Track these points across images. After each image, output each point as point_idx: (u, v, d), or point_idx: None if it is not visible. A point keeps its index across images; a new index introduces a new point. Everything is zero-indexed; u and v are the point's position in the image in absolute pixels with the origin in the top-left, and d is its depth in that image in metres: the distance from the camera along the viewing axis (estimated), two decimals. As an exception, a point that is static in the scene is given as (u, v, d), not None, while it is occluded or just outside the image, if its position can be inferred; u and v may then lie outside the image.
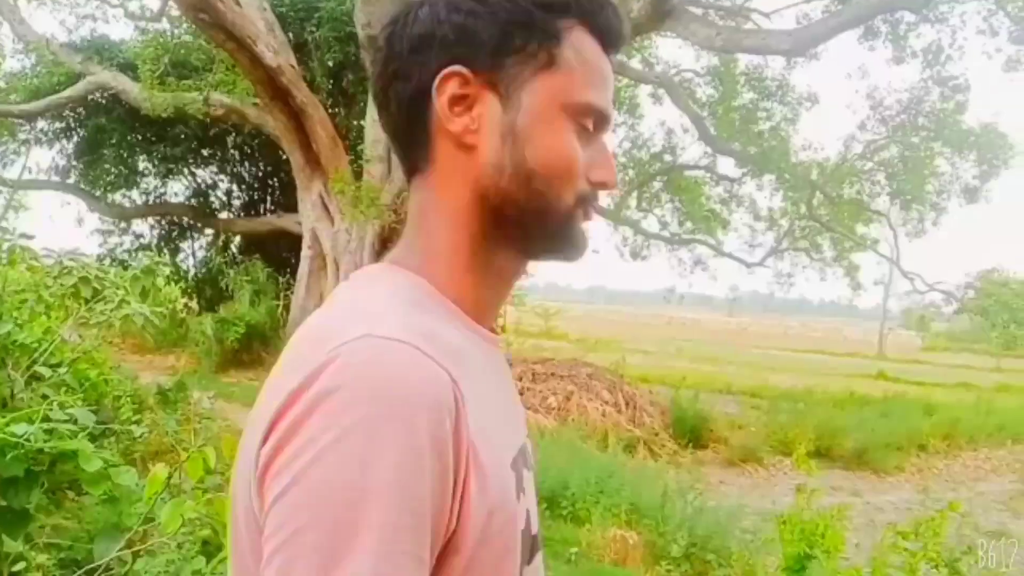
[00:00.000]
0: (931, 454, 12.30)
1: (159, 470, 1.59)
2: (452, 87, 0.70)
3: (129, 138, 14.57)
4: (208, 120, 13.27)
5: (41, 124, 14.64)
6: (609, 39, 0.75)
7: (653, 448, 9.94)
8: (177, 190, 16.44)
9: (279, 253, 14.60)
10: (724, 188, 17.66)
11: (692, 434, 10.66)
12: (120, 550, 1.62)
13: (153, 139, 14.57)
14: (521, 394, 10.75)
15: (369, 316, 0.62)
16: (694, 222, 17.93)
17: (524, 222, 0.71)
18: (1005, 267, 15.07)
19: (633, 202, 18.23)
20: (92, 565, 1.56)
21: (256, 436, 0.60)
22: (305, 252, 12.08)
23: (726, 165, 17.03)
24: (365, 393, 0.57)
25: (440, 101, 0.70)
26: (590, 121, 0.72)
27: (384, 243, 11.09)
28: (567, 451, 6.69)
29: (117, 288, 3.88)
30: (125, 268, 15.70)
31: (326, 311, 0.69)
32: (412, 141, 0.73)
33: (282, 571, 0.55)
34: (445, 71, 0.69)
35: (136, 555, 1.71)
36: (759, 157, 14.97)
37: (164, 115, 11.59)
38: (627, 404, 10.69)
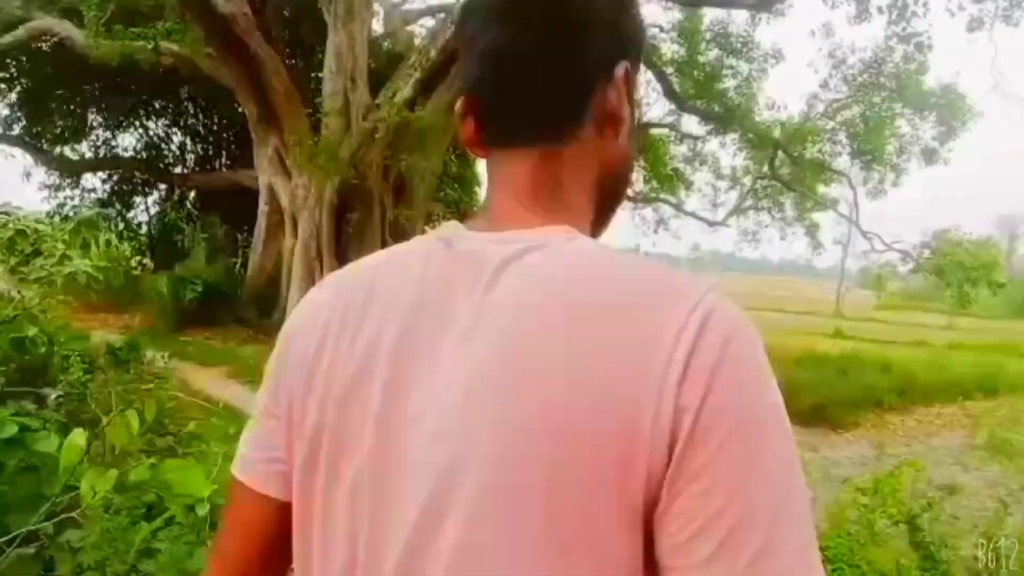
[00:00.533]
0: (887, 410, 12.56)
1: (76, 436, 1.46)
2: (626, 80, 0.74)
3: (77, 89, 13.96)
4: (159, 71, 12.76)
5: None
6: None
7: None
8: (128, 144, 15.90)
9: (237, 209, 14.21)
10: (688, 147, 17.61)
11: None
12: (44, 520, 1.51)
13: (102, 90, 13.98)
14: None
15: (659, 267, 0.67)
16: (658, 181, 17.88)
17: (620, 189, 0.81)
18: (962, 227, 15.25)
19: (597, 160, 18.09)
20: (9, 536, 1.44)
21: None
22: (262, 208, 11.78)
23: (690, 123, 16.96)
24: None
25: (613, 90, 0.74)
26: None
27: (343, 199, 10.84)
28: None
29: (57, 242, 3.67)
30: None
31: (595, 267, 0.68)
32: (573, 110, 0.74)
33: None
34: (626, 64, 0.74)
35: (61, 525, 1.59)
36: (723, 115, 14.91)
37: (112, 64, 11.07)
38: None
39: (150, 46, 11.29)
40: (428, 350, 0.67)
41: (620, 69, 0.74)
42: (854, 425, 11.61)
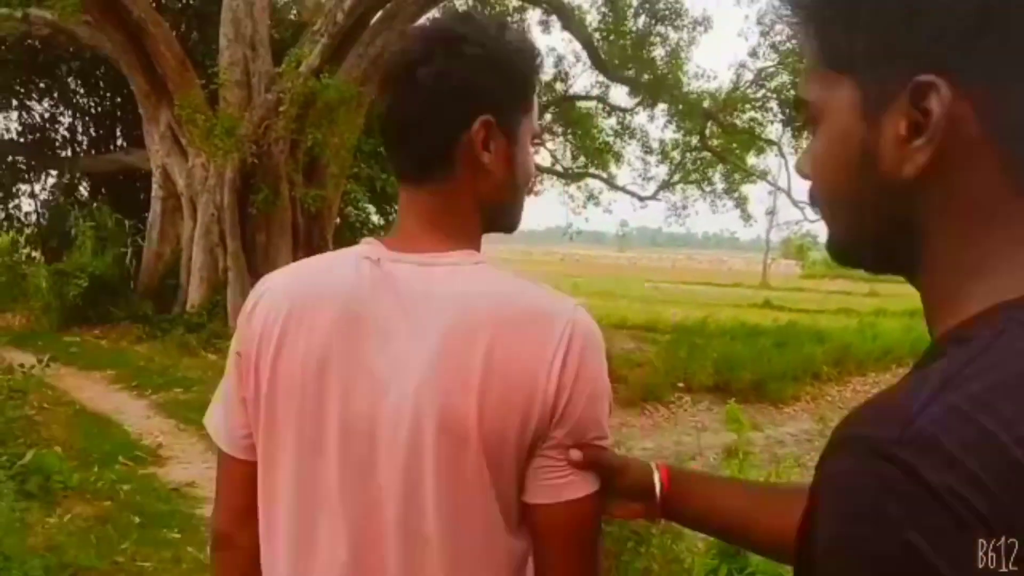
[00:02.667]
0: (824, 381, 12.37)
1: None
2: (484, 132, 0.93)
3: (-59, 65, 12.47)
4: (36, 44, 11.46)
5: None
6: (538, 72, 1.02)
7: (551, 392, 9.38)
8: (7, 126, 14.38)
9: (134, 194, 13.02)
10: (617, 119, 17.11)
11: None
12: None
13: (-29, 67, 12.53)
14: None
15: (542, 289, 0.96)
16: (587, 155, 17.35)
17: (499, 220, 1.02)
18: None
19: (524, 135, 17.46)
20: None
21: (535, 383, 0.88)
22: (156, 192, 10.68)
23: (619, 96, 16.46)
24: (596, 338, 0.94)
25: (475, 140, 0.93)
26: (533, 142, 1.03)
27: (247, 180, 9.86)
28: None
29: None
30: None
31: (498, 286, 0.94)
32: (437, 160, 0.95)
33: None
34: (481, 118, 0.93)
35: None
36: (652, 85, 14.41)
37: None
38: (522, 347, 10.07)
39: (18, 14, 10.03)
40: (371, 356, 0.89)
41: (476, 124, 0.92)
42: (794, 399, 11.35)
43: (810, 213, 15.42)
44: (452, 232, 0.96)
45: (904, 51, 0.57)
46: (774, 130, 15.95)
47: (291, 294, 0.94)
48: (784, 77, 14.97)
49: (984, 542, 0.47)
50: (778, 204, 23.24)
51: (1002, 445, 0.46)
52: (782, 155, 15.80)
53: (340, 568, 0.90)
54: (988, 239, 0.59)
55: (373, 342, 0.89)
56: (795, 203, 15.68)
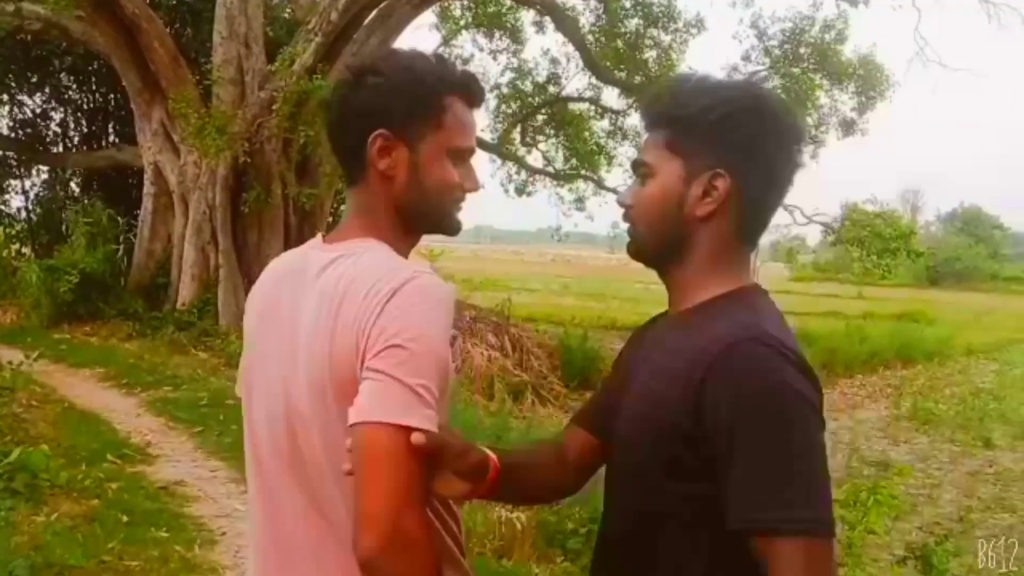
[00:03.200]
0: (812, 384, 12.46)
1: None
2: (379, 142, 1.17)
3: (-68, 59, 12.39)
4: (28, 38, 11.39)
5: None
6: (475, 102, 1.25)
7: (541, 393, 9.43)
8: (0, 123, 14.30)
9: (126, 191, 12.97)
10: (609, 121, 17.12)
11: (581, 376, 10.26)
12: None
13: (-37, 62, 12.45)
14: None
15: (403, 263, 1.15)
16: (579, 157, 17.36)
17: (419, 219, 1.23)
18: (879, 198, 15.35)
19: (517, 136, 17.44)
20: None
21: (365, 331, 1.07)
22: (147, 189, 10.66)
23: (611, 98, 16.48)
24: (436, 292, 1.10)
25: (371, 151, 1.18)
26: (463, 155, 1.23)
27: (239, 177, 9.85)
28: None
29: None
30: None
31: (361, 263, 1.14)
32: (354, 166, 1.21)
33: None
34: (375, 133, 1.17)
35: None
36: (644, 87, 14.44)
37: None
38: (513, 347, 10.11)
39: (10, 8, 9.98)
40: (287, 323, 1.16)
41: (371, 138, 1.17)
42: (782, 401, 11.43)
43: (799, 216, 15.48)
44: (366, 225, 1.20)
45: (710, 155, 1.11)
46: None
47: (259, 281, 1.28)
48: (776, 81, 15.03)
49: (811, 385, 1.02)
50: (769, 207, 23.21)
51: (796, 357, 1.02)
52: (772, 159, 15.86)
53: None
54: (723, 258, 1.15)
55: (279, 315, 1.18)
56: (785, 206, 15.66)
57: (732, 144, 1.09)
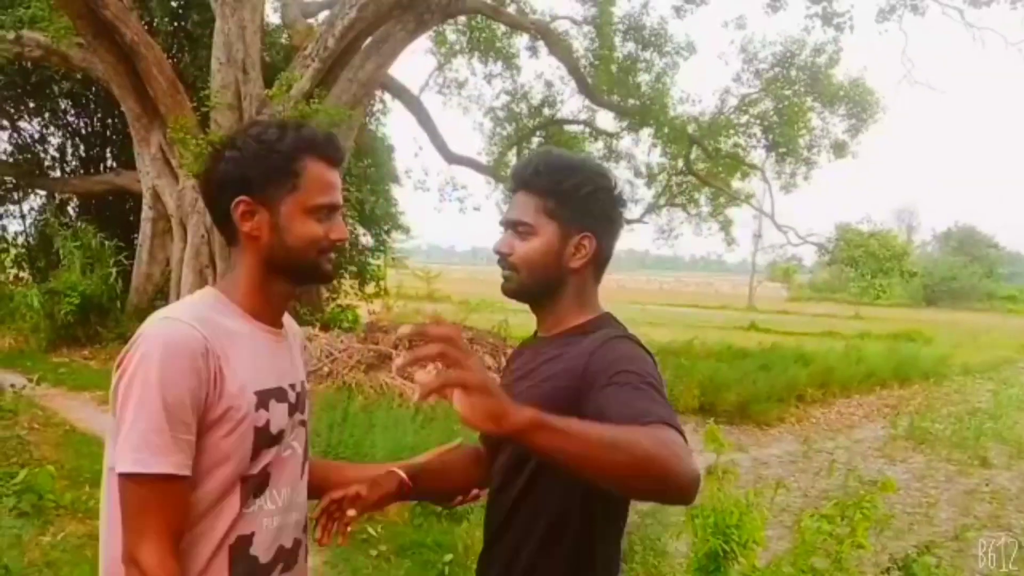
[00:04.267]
0: (808, 403, 12.47)
1: None
2: (240, 208, 1.33)
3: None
4: (28, 64, 11.53)
5: None
6: (333, 158, 1.39)
7: (538, 413, 9.42)
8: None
9: (123, 215, 13.06)
10: (603, 143, 17.31)
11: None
12: None
13: (-38, 88, 12.57)
14: (397, 362, 9.92)
15: (173, 310, 1.33)
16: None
17: (286, 271, 1.39)
18: (872, 219, 15.52)
19: (513, 158, 17.61)
20: None
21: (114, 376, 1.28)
22: (146, 213, 10.73)
23: (605, 120, 16.67)
24: (152, 348, 1.23)
25: (235, 216, 1.34)
26: (323, 211, 1.36)
27: (238, 201, 9.94)
28: (444, 430, 6.00)
29: None
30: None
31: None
32: (227, 230, 1.38)
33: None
34: (236, 200, 1.33)
35: None
36: (637, 110, 14.63)
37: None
38: (510, 368, 10.11)
39: (11, 35, 10.11)
40: None
41: (234, 205, 1.33)
42: (778, 421, 11.43)
43: (794, 237, 15.64)
44: (224, 280, 1.42)
45: (580, 221, 1.46)
46: (758, 155, 16.19)
47: None
48: (767, 103, 15.25)
49: (651, 357, 1.39)
50: (763, 228, 23.45)
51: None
52: (765, 180, 16.02)
53: None
54: (584, 294, 1.50)
55: None
56: (779, 227, 15.85)
57: (594, 214, 1.48)
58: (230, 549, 1.30)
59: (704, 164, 16.49)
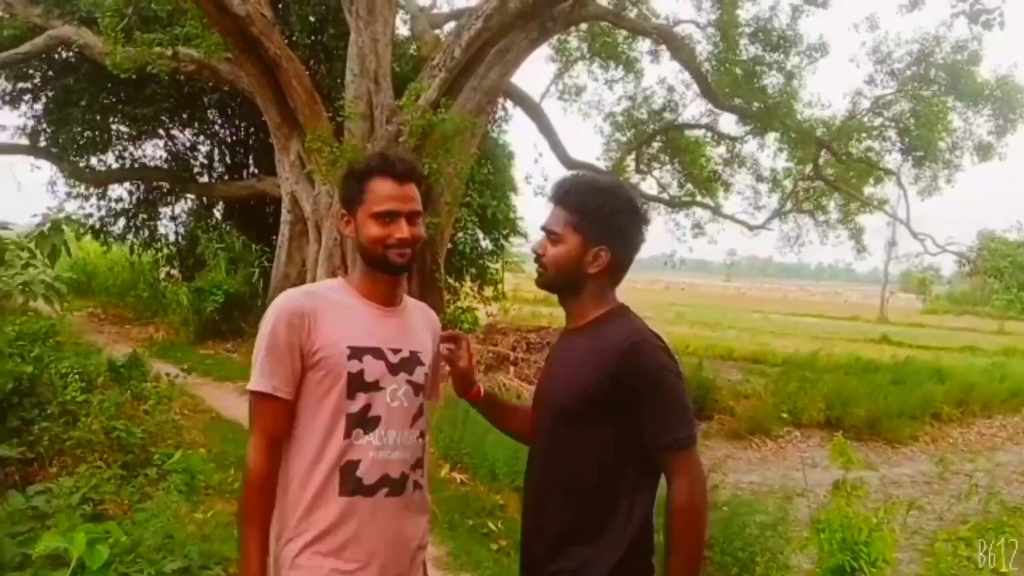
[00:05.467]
0: (945, 422, 11.79)
1: None
2: (343, 218, 1.87)
3: (100, 99, 13.74)
4: (181, 78, 12.47)
5: (1, 84, 13.79)
6: (392, 174, 1.82)
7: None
8: (154, 153, 15.67)
9: (262, 218, 13.91)
10: (726, 148, 16.90)
11: (696, 405, 10.08)
12: None
13: (125, 99, 13.74)
14: (515, 364, 10.01)
15: (306, 286, 1.99)
16: (695, 184, 17.20)
17: (368, 261, 1.84)
18: (1022, 226, 14.34)
19: (632, 164, 17.49)
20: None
21: None
22: (285, 217, 11.38)
23: (728, 124, 16.29)
24: (270, 309, 1.79)
25: (339, 224, 1.94)
26: (385, 217, 1.79)
27: (367, 206, 10.39)
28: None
29: (21, 250, 3.25)
30: (99, 236, 15.06)
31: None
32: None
33: None
34: (341, 212, 1.91)
35: None
36: (763, 113, 14.22)
37: (131, 73, 10.76)
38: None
39: (168, 52, 10.98)
40: None
41: (339, 216, 1.94)
42: (911, 439, 10.87)
43: (931, 245, 14.76)
44: (353, 268, 1.98)
45: (598, 234, 1.81)
46: (892, 159, 15.38)
47: None
48: (903, 105, 14.48)
49: (673, 360, 1.77)
50: (897, 235, 22.18)
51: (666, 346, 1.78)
52: (901, 185, 15.19)
53: None
54: (601, 293, 1.85)
55: None
56: (915, 235, 14.99)
57: (612, 231, 1.81)
58: (340, 470, 1.72)
59: (834, 169, 15.82)
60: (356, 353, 1.74)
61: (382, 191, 1.78)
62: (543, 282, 1.88)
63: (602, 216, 1.79)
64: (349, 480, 1.72)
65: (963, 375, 13.84)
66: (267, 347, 1.71)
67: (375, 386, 1.75)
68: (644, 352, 1.71)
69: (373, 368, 1.76)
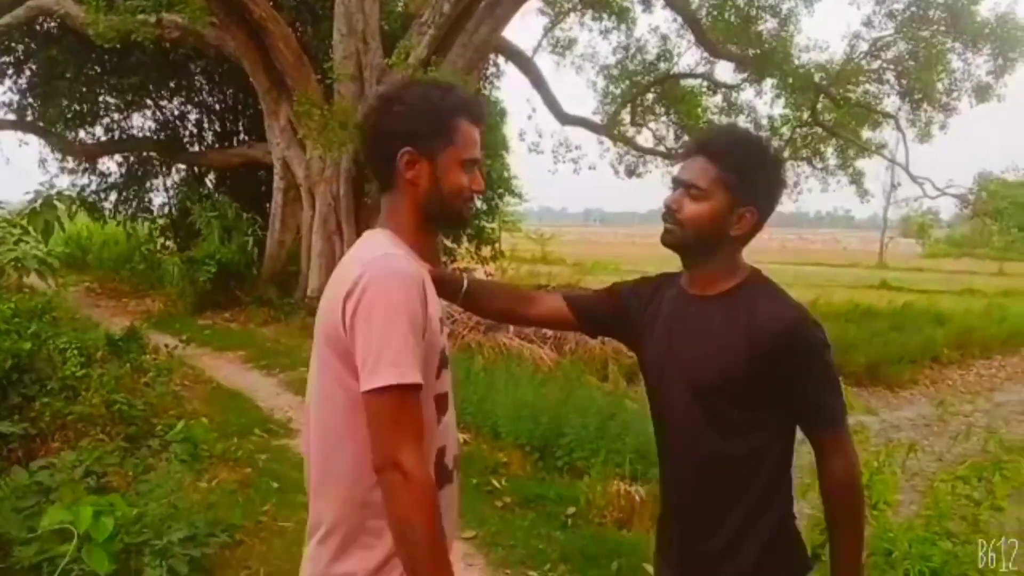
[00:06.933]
0: (944, 365, 11.84)
1: None
2: (406, 157, 1.52)
3: (85, 70, 13.52)
4: (166, 45, 12.26)
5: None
6: (480, 120, 1.59)
7: (656, 374, 9.37)
8: (143, 124, 15.48)
9: (255, 186, 13.79)
10: (722, 96, 16.68)
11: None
12: None
13: (110, 70, 13.52)
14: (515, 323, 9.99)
15: (381, 247, 1.49)
16: (691, 135, 17.00)
17: (436, 216, 1.58)
18: (1019, 167, 14.23)
19: (627, 116, 17.28)
20: None
21: (337, 303, 1.42)
22: (277, 183, 11.30)
23: (724, 72, 16.05)
24: (386, 278, 1.40)
25: (399, 164, 1.53)
26: (471, 164, 1.57)
27: (360, 169, 10.31)
28: (561, 389, 6.09)
29: (13, 227, 3.21)
30: (91, 212, 14.94)
31: (357, 249, 1.57)
32: (387, 176, 1.57)
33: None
34: (401, 150, 1.52)
35: None
36: (759, 60, 14.00)
37: (115, 42, 10.54)
38: (627, 329, 10.08)
39: (152, 19, 10.76)
40: None
41: (399, 154, 1.52)
42: (911, 383, 10.93)
43: (930, 189, 14.65)
44: (391, 219, 1.56)
45: (750, 194, 1.64)
46: (891, 103, 15.19)
47: None
48: (902, 47, 14.24)
49: (823, 333, 1.62)
50: (897, 180, 22.03)
51: (815, 319, 1.65)
52: (900, 129, 15.02)
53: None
54: (735, 258, 1.70)
55: None
56: (914, 179, 14.89)
57: (762, 193, 1.65)
58: (435, 462, 1.48)
59: (832, 114, 15.63)
60: (440, 323, 1.52)
61: (472, 135, 1.55)
62: (673, 240, 1.68)
63: (756, 175, 1.64)
64: (442, 471, 1.51)
65: (962, 318, 13.89)
66: (409, 327, 1.36)
67: (448, 361, 1.55)
68: (801, 334, 1.58)
69: (446, 340, 1.56)
